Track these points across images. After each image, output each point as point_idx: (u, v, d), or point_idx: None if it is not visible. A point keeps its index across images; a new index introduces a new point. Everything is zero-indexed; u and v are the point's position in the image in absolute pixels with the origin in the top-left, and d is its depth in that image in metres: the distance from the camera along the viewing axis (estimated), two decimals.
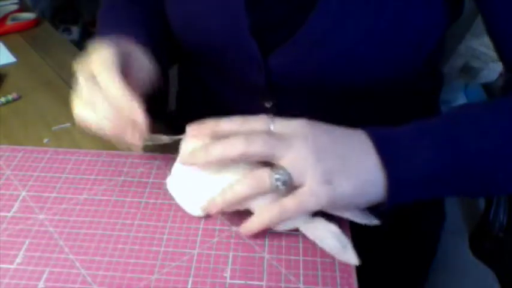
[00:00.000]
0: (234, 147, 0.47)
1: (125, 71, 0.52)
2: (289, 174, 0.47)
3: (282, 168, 0.47)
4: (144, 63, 0.57)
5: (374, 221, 0.50)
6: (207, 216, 0.52)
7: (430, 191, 0.50)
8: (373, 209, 0.50)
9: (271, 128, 0.49)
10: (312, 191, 0.46)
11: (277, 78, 0.63)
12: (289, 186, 0.47)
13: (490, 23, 0.58)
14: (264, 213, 0.49)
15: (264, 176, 0.47)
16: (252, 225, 0.50)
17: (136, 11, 0.70)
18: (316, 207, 0.47)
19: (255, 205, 0.50)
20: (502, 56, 0.59)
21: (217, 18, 0.63)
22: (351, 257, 0.48)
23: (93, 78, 0.50)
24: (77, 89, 0.52)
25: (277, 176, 0.46)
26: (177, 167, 0.55)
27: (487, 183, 0.51)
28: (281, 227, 0.50)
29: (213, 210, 0.50)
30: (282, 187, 0.47)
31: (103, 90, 0.49)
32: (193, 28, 0.66)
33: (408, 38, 0.59)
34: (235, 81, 0.67)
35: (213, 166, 0.50)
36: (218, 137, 0.49)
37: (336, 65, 0.60)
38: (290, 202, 0.47)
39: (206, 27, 0.65)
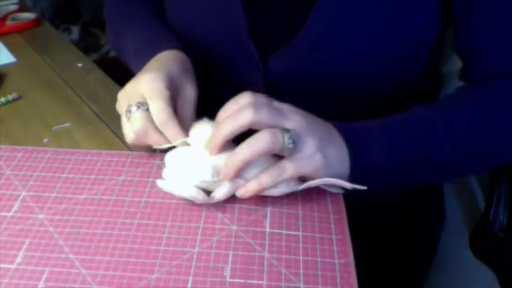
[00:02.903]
0: (244, 117, 0.49)
1: (173, 95, 0.56)
2: (298, 136, 0.50)
3: (290, 130, 0.50)
4: (189, 86, 0.59)
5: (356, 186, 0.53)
6: (207, 215, 0.52)
7: (384, 180, 0.56)
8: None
9: (272, 103, 0.52)
10: (309, 157, 0.50)
11: (275, 79, 0.63)
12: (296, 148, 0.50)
13: (467, 33, 0.61)
14: (263, 176, 0.51)
15: (278, 133, 0.49)
16: (250, 187, 0.51)
17: (157, 20, 0.71)
18: (310, 171, 0.51)
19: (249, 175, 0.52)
20: (474, 65, 0.62)
21: (215, 21, 0.63)
22: (356, 185, 0.53)
23: (143, 105, 0.54)
24: (128, 116, 0.55)
25: (289, 135, 0.49)
26: (170, 156, 0.55)
27: (432, 176, 0.60)
28: (276, 192, 0.52)
29: (230, 172, 0.51)
30: (291, 146, 0.49)
31: (154, 117, 0.54)
32: (191, 31, 0.66)
33: (406, 38, 0.59)
34: (234, 83, 0.67)
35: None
36: None
37: (334, 67, 0.60)
38: (289, 165, 0.50)
39: (204, 31, 0.65)
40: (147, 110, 0.54)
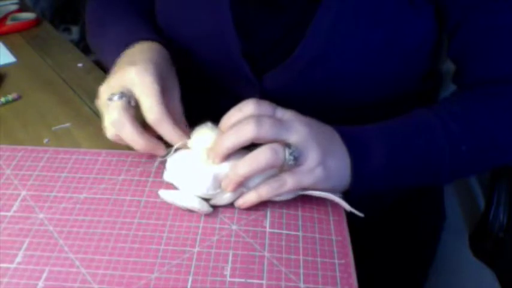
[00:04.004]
0: (247, 132, 0.49)
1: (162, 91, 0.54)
2: (300, 152, 0.49)
3: (292, 145, 0.49)
4: (175, 81, 0.59)
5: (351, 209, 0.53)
6: (207, 215, 0.52)
7: (384, 186, 0.56)
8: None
9: (275, 113, 0.52)
10: (310, 170, 0.50)
11: (271, 95, 0.63)
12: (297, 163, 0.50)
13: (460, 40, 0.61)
14: (263, 188, 0.51)
15: (279, 149, 0.49)
16: (250, 198, 0.51)
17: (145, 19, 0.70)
18: (310, 184, 0.51)
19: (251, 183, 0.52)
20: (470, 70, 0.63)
21: (208, 44, 0.63)
22: (355, 210, 0.52)
23: (125, 95, 0.52)
24: (108, 105, 0.53)
25: (290, 151, 0.49)
26: (172, 160, 0.55)
27: (432, 179, 0.59)
28: (277, 198, 0.52)
29: (230, 185, 0.51)
30: (292, 162, 0.49)
31: (147, 114, 0.52)
32: (186, 52, 0.66)
33: (406, 46, 0.59)
34: (231, 97, 0.67)
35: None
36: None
37: (331, 82, 0.60)
38: (289, 178, 0.50)
39: (197, 52, 0.65)
40: (130, 102, 0.52)
